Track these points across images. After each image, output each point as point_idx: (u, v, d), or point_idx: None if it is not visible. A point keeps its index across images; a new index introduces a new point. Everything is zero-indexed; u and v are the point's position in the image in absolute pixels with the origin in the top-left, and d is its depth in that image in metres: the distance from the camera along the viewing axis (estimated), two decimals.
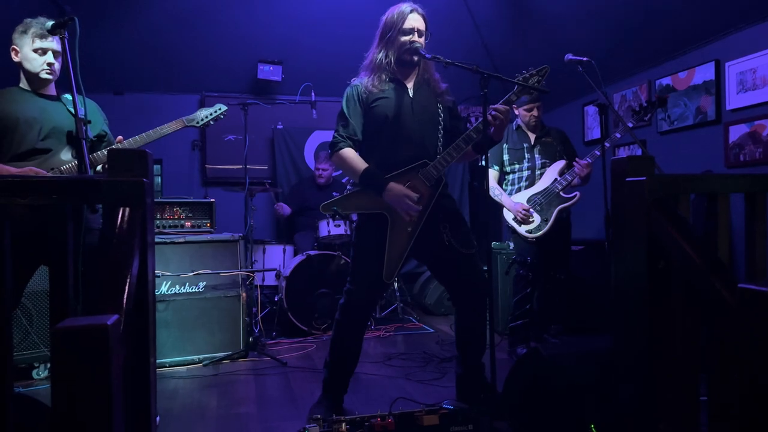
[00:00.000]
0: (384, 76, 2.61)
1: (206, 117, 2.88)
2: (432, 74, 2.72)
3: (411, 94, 2.64)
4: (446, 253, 2.60)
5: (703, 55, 4.24)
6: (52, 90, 2.64)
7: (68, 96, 2.58)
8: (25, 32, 2.51)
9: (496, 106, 2.48)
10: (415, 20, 2.57)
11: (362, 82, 2.63)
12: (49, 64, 2.54)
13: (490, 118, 2.45)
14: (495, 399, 2.34)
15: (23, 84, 2.59)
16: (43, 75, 2.55)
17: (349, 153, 2.58)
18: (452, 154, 2.52)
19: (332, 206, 2.64)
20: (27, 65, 2.54)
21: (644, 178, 1.54)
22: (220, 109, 2.91)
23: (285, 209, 5.49)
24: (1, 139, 2.44)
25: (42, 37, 2.51)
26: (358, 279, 2.64)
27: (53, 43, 2.53)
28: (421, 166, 2.54)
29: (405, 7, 2.59)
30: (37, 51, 2.51)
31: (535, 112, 3.74)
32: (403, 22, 2.55)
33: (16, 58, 2.54)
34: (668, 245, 1.45)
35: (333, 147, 2.62)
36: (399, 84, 2.64)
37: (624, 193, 1.60)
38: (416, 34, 2.56)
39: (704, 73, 4.21)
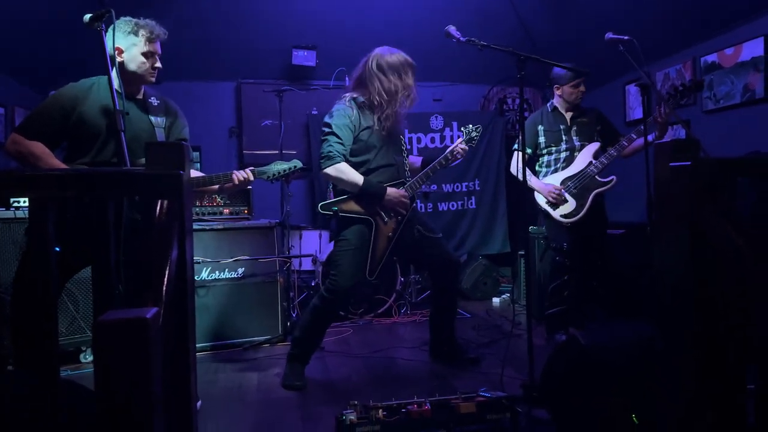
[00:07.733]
0: (369, 108, 3.00)
1: (279, 172, 2.78)
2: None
3: (381, 125, 2.99)
4: (419, 243, 3.12)
5: (751, 30, 4.05)
6: (140, 92, 2.57)
7: (153, 99, 2.59)
8: (133, 33, 2.42)
9: (460, 145, 3.07)
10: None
11: (353, 110, 2.99)
12: (155, 68, 2.50)
13: (449, 156, 3.07)
14: (533, 386, 2.33)
15: (115, 83, 2.28)
16: (149, 78, 2.50)
17: (346, 166, 2.92)
18: (423, 179, 3.09)
19: (332, 206, 2.97)
20: (132, 66, 2.44)
21: (689, 162, 1.48)
22: (296, 165, 2.82)
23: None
24: (81, 138, 2.37)
25: (151, 41, 2.45)
26: (343, 271, 2.96)
27: (158, 47, 2.49)
28: (399, 185, 3.04)
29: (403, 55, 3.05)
30: (146, 54, 2.45)
31: (582, 87, 3.62)
32: (410, 69, 3.04)
33: (119, 58, 2.41)
34: (715, 233, 1.39)
35: (329, 159, 2.88)
36: (374, 115, 3.01)
37: (668, 178, 1.54)
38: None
39: (752, 49, 4.03)
